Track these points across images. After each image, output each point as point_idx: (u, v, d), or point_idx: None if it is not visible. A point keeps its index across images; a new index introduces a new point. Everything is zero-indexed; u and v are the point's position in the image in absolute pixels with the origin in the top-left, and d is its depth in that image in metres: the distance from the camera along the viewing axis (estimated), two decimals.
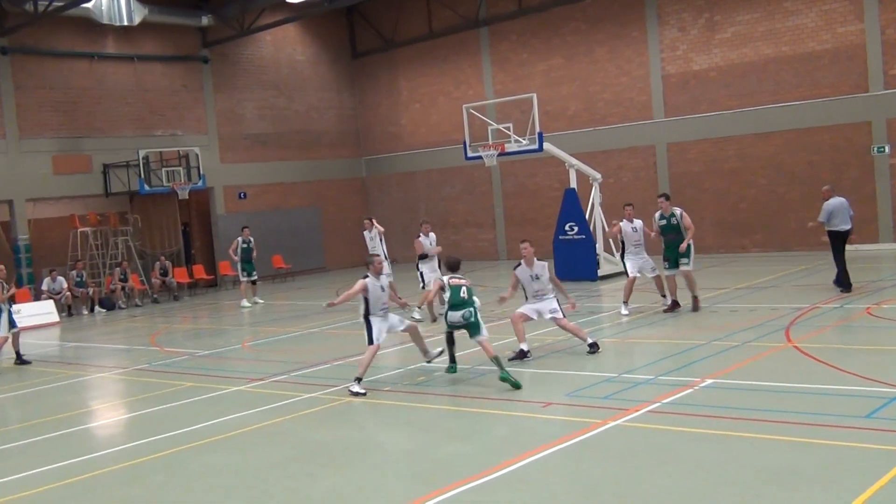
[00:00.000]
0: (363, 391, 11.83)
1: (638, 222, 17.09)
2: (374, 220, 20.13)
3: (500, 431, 9.68)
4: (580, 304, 17.97)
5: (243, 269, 24.88)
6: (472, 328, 12.28)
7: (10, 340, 17.19)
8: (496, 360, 11.65)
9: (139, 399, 13.35)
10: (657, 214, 16.80)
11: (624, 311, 16.78)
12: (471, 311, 12.27)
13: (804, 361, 11.74)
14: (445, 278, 12.84)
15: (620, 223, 16.98)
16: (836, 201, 17.36)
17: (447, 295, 12.52)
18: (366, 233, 20.15)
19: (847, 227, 17.32)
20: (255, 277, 25.10)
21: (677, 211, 16.70)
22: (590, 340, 13.39)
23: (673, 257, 16.54)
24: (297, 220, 34.29)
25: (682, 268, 16.42)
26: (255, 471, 9.02)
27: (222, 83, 32.71)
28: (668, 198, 16.98)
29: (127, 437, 11.21)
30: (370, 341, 12.19)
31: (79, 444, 10.97)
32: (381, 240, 19.73)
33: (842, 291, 17.10)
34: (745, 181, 26.94)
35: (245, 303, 24.63)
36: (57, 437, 11.28)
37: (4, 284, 17.14)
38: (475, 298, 12.61)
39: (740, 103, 26.94)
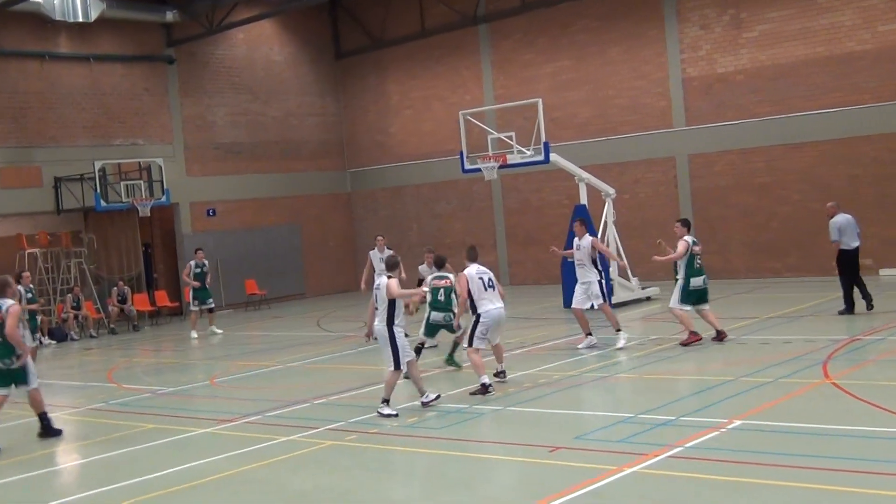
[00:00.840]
0: (395, 412, 12.63)
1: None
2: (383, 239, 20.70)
3: (503, 480, 9.66)
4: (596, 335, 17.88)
5: (195, 297, 25.30)
6: (449, 328, 15.26)
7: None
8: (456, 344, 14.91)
9: (95, 443, 13.29)
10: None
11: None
12: (451, 315, 15.09)
13: (844, 400, 11.74)
14: (429, 278, 15.60)
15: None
16: (843, 218, 18.56)
17: (429, 297, 14.99)
18: (373, 252, 20.52)
19: (856, 244, 18.50)
20: (212, 305, 25.77)
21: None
22: (484, 380, 13.75)
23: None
24: (273, 239, 34.30)
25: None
26: None
27: (190, 86, 32.80)
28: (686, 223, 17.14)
29: (81, 486, 11.16)
30: (398, 366, 12.81)
31: (25, 493, 10.91)
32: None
33: (840, 312, 18.33)
34: (777, 197, 27.01)
35: (193, 334, 24.88)
36: None
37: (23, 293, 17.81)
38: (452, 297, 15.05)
39: (770, 110, 27.04)
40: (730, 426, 10.75)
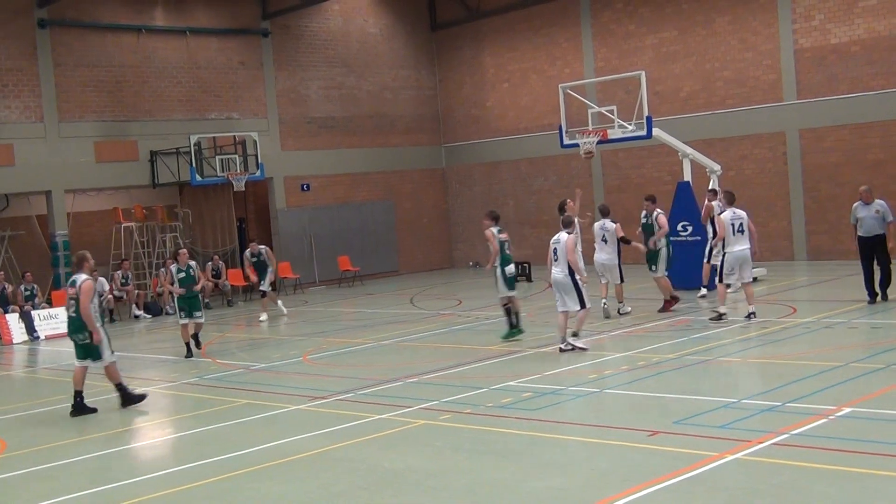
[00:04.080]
0: (586, 346, 15.57)
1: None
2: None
3: (600, 463, 9.61)
4: (692, 317, 17.95)
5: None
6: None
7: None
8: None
9: (187, 417, 13.60)
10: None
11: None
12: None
13: None
14: (495, 230, 17.40)
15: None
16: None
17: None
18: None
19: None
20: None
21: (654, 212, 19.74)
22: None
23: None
24: (367, 215, 34.56)
25: (651, 274, 19.69)
26: (316, 502, 9.10)
27: (284, 60, 33.16)
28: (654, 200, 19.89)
29: (172, 461, 11.44)
30: (584, 304, 15.68)
31: (117, 467, 11.23)
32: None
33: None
34: (893, 174, 26.28)
35: (264, 315, 24.69)
36: (93, 458, 11.57)
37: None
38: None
39: (887, 83, 26.32)
40: (838, 413, 10.54)
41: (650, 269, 19.79)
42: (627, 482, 8.74)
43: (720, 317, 17.51)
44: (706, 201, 20.54)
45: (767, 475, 8.71)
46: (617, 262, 19.49)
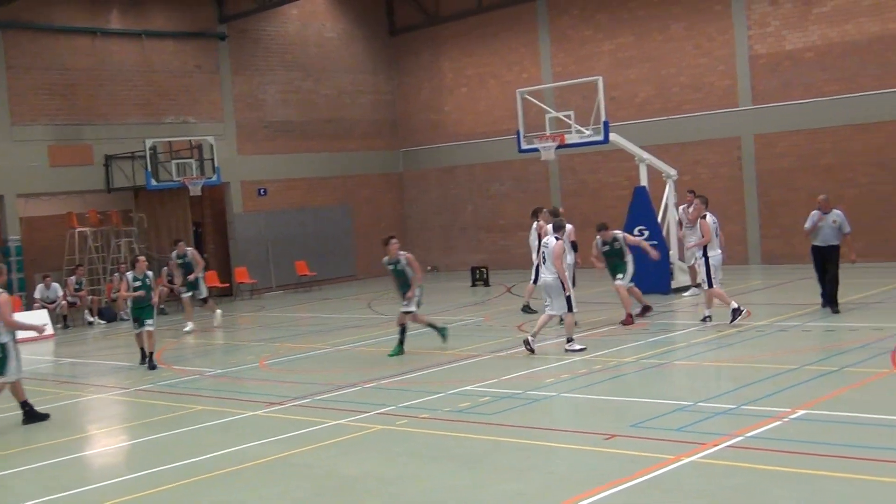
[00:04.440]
0: (583, 346, 15.76)
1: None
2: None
3: (557, 467, 9.62)
4: (651, 321, 18.09)
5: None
6: None
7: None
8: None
9: (141, 424, 13.46)
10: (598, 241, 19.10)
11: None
12: None
13: None
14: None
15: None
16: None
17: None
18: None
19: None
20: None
21: (620, 235, 19.12)
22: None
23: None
24: (324, 220, 34.46)
25: (616, 282, 18.86)
26: None
27: (241, 63, 32.99)
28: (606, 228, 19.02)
29: (126, 468, 11.31)
30: (571, 308, 15.88)
31: (71, 474, 11.09)
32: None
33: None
34: (844, 180, 26.59)
35: (190, 325, 23.57)
36: (46, 466, 11.41)
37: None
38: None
39: (840, 89, 26.62)
40: (792, 416, 10.63)
41: (615, 277, 18.94)
42: (584, 485, 8.76)
43: (708, 318, 17.67)
44: (696, 203, 20.41)
45: (723, 477, 8.77)
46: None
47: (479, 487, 9.15)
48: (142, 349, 18.48)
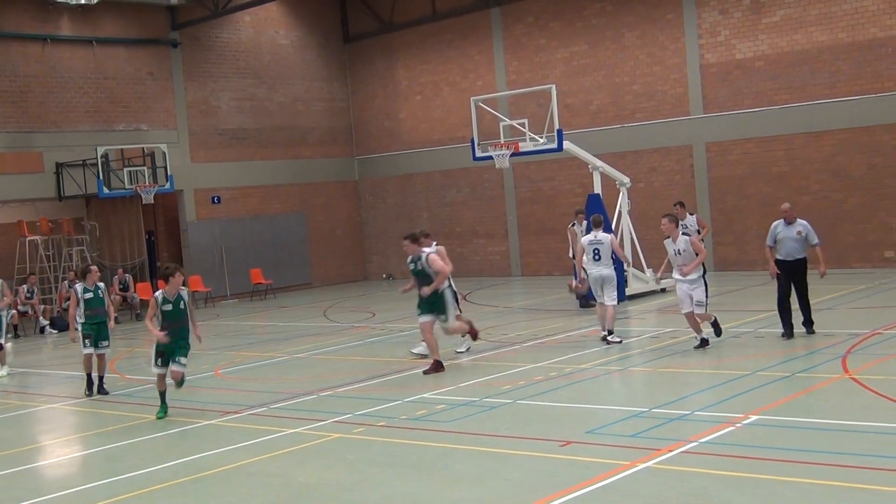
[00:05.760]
0: (620, 339, 16.68)
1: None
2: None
3: (512, 474, 9.68)
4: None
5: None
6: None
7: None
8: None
9: (95, 434, 13.35)
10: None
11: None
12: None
13: (863, 395, 11.74)
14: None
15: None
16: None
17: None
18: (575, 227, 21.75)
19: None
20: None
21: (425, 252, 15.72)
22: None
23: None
24: (279, 228, 34.35)
25: (441, 324, 15.67)
26: None
27: (194, 70, 32.83)
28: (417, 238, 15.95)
29: (80, 478, 11.22)
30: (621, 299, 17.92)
31: (23, 485, 10.97)
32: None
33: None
34: (796, 187, 26.95)
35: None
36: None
37: None
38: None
39: (790, 97, 26.97)
40: (745, 421, 10.76)
41: (440, 318, 15.65)
42: (540, 492, 8.83)
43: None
44: (687, 214, 20.56)
45: (678, 483, 8.86)
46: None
47: (435, 494, 9.20)
48: (88, 375, 16.04)
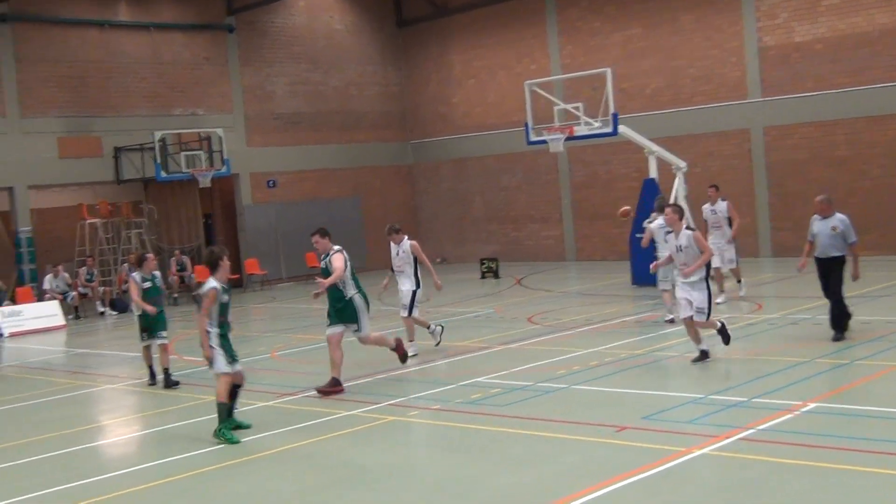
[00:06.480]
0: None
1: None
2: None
3: (567, 459, 9.65)
4: (658, 314, 17.98)
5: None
6: None
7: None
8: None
9: (153, 414, 13.53)
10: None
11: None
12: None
13: None
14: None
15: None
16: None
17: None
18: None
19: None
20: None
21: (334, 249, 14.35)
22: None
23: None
24: (334, 212, 34.42)
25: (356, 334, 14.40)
26: (286, 498, 9.10)
27: (250, 56, 33.02)
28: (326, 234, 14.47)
29: (139, 458, 11.38)
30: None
31: (84, 464, 11.14)
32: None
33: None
34: (857, 171, 26.56)
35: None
36: (59, 455, 11.48)
37: None
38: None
39: (851, 81, 26.55)
40: (804, 409, 10.63)
41: (351, 329, 14.31)
42: (596, 477, 8.79)
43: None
44: (719, 200, 19.67)
45: (736, 470, 8.79)
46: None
47: (490, 477, 9.19)
48: (150, 367, 15.70)
